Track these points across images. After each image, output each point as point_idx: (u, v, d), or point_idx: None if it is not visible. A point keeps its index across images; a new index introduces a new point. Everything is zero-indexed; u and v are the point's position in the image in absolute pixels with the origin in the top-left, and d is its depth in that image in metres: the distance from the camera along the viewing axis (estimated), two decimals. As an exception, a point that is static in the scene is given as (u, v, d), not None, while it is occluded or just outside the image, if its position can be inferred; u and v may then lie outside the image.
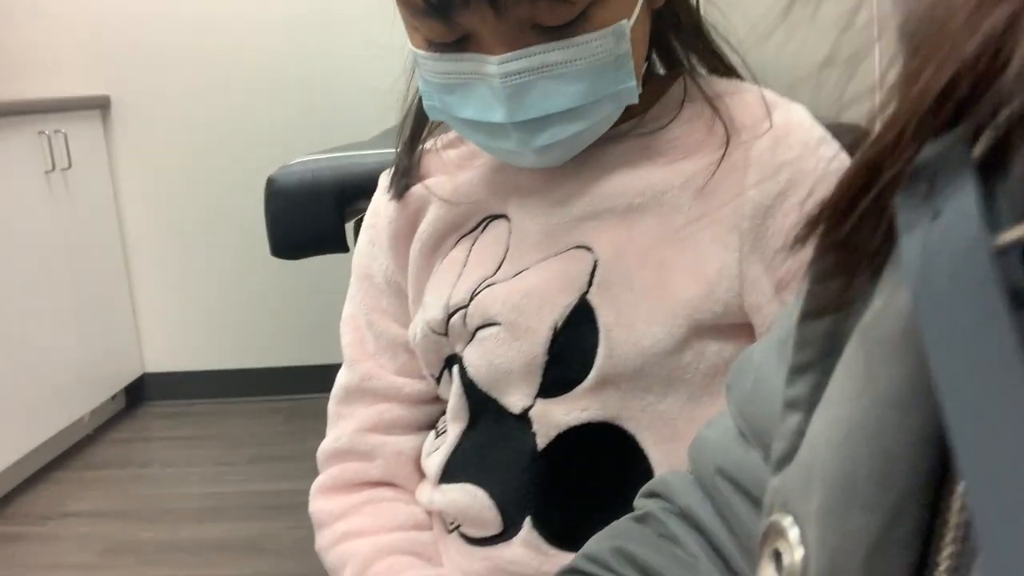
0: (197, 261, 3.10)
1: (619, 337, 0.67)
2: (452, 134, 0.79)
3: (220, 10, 2.92)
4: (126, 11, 2.95)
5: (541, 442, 0.70)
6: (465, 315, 0.72)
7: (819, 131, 0.68)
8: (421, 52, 0.66)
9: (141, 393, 3.17)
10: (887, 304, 0.27)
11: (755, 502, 0.45)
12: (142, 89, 3.00)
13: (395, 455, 0.80)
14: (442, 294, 0.74)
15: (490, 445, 0.73)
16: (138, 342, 3.15)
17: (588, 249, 0.69)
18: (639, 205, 0.69)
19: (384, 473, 0.80)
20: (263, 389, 3.11)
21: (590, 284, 0.68)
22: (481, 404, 0.73)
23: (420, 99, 0.72)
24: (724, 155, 0.67)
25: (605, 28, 0.63)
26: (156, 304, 3.15)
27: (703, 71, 0.74)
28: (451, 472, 0.75)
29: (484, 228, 0.75)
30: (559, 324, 0.69)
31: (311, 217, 1.14)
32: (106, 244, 3.01)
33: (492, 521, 0.72)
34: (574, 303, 0.68)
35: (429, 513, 0.80)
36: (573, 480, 0.70)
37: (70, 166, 2.77)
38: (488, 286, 0.72)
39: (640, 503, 0.57)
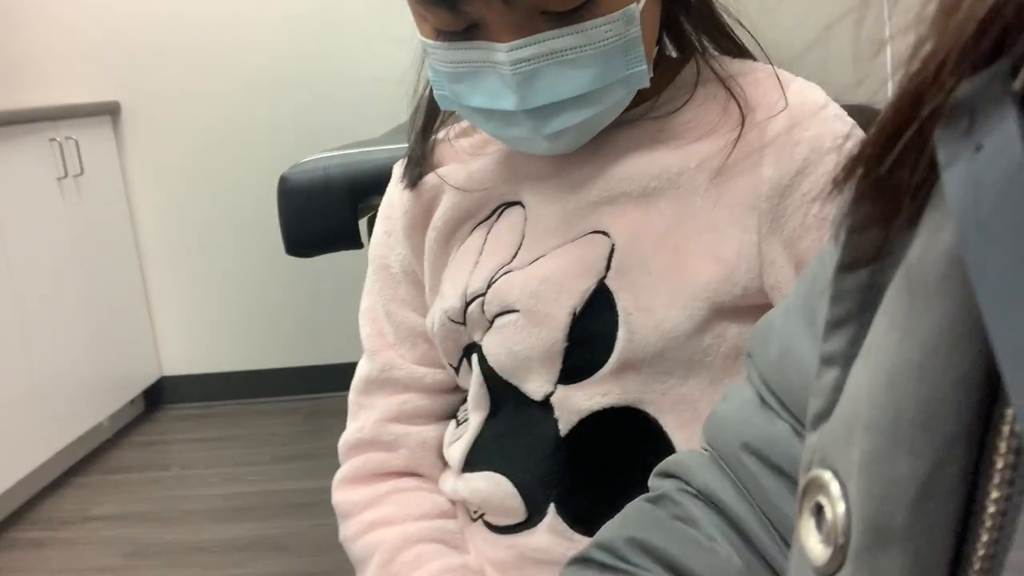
0: (211, 263, 3.11)
1: (639, 321, 0.67)
2: (464, 123, 0.79)
3: (227, 13, 2.93)
4: (134, 17, 2.95)
5: (563, 428, 0.70)
6: (483, 303, 0.72)
7: (834, 108, 0.68)
8: (430, 41, 0.66)
9: (159, 396, 3.19)
10: (927, 248, 0.27)
11: (785, 476, 0.45)
12: (152, 94, 3.01)
13: (418, 444, 0.80)
14: (459, 283, 0.74)
15: (512, 433, 0.73)
16: (155, 345, 3.16)
17: (605, 234, 0.69)
18: (655, 188, 0.68)
19: (407, 463, 0.81)
20: (281, 389, 3.12)
21: (608, 269, 0.68)
22: (502, 392, 0.73)
23: (431, 89, 0.72)
24: (739, 136, 0.67)
25: (614, 13, 0.62)
26: (172, 307, 3.16)
27: (715, 52, 0.73)
28: (474, 461, 0.75)
29: (499, 215, 0.75)
30: (578, 310, 0.68)
31: (324, 215, 1.14)
32: (120, 249, 3.02)
33: (516, 509, 0.72)
34: (592, 288, 0.68)
35: (453, 502, 0.80)
36: (596, 465, 0.70)
37: (82, 172, 2.78)
38: (505, 273, 0.72)
39: (655, 483, 0.56)
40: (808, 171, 0.65)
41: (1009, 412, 0.25)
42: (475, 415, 0.76)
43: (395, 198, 0.80)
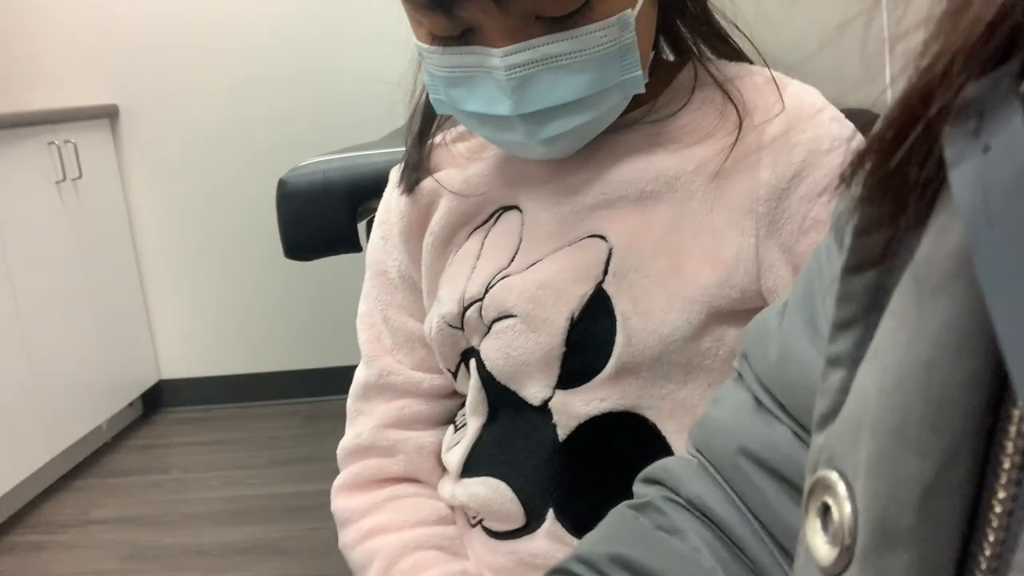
0: (210, 266, 3.11)
1: (637, 326, 0.67)
2: (461, 127, 0.79)
3: (226, 15, 2.93)
4: (132, 19, 2.95)
5: (562, 433, 0.70)
6: (480, 308, 0.72)
7: (831, 111, 0.68)
8: (425, 46, 0.66)
9: (158, 400, 3.19)
10: (934, 248, 0.27)
11: (784, 480, 0.44)
12: (150, 97, 3.01)
13: (416, 450, 0.80)
14: (456, 288, 0.74)
15: (510, 438, 0.73)
16: (154, 349, 3.16)
17: (602, 238, 0.69)
18: (652, 192, 0.68)
19: (406, 468, 0.80)
20: (280, 392, 3.12)
21: (605, 273, 0.68)
22: (500, 397, 0.73)
23: (428, 93, 0.71)
24: (737, 139, 0.67)
25: (609, 18, 0.62)
26: (170, 310, 3.16)
27: (712, 56, 0.73)
28: (472, 466, 0.75)
29: (496, 219, 0.75)
30: (576, 314, 0.68)
31: (323, 218, 1.14)
32: (119, 252, 3.02)
33: (515, 514, 0.72)
34: (590, 293, 0.68)
35: (451, 508, 0.79)
36: (595, 470, 0.70)
37: (80, 176, 2.78)
38: (503, 278, 0.71)
39: (640, 490, 0.56)
40: (805, 174, 0.65)
41: (1016, 412, 0.25)
42: (473, 420, 0.75)
43: (392, 203, 0.80)
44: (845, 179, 0.29)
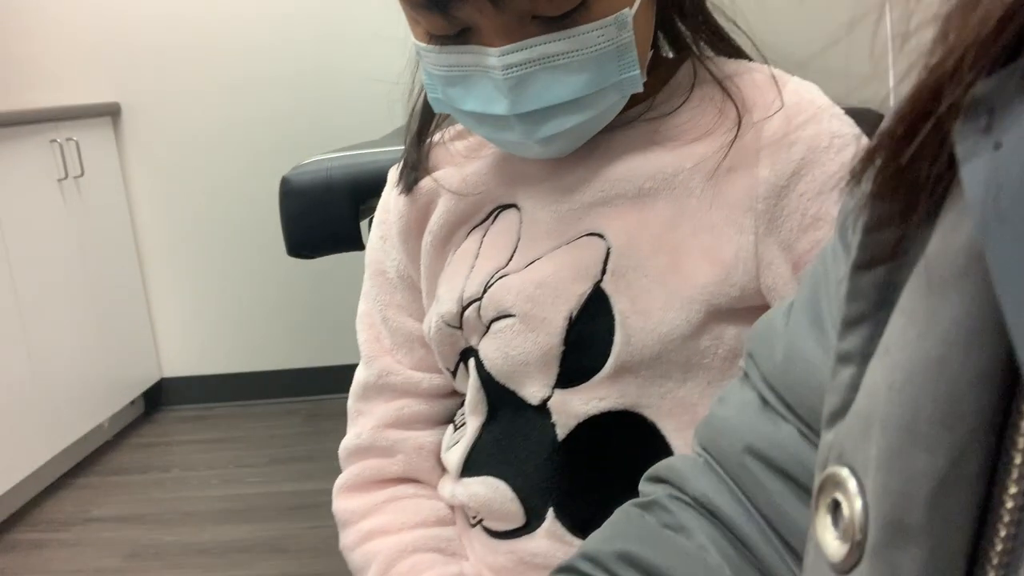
0: (212, 264, 3.11)
1: (635, 324, 0.66)
2: (459, 126, 0.78)
3: (227, 14, 2.93)
4: (134, 18, 2.95)
5: (561, 432, 0.69)
6: (479, 308, 0.72)
7: (831, 108, 0.67)
8: (423, 45, 0.66)
9: (159, 398, 3.19)
10: (945, 244, 0.27)
11: (791, 479, 0.44)
12: (152, 95, 3.01)
13: (416, 450, 0.80)
14: (455, 287, 0.74)
15: (510, 437, 0.73)
16: (155, 347, 3.16)
17: (600, 236, 0.69)
18: (650, 189, 0.68)
19: (405, 469, 0.80)
20: (281, 391, 3.12)
21: (604, 272, 0.68)
22: (499, 396, 0.73)
23: (426, 92, 0.71)
24: (736, 136, 0.67)
25: (606, 18, 0.62)
26: (172, 309, 3.16)
27: (711, 53, 0.73)
28: (472, 466, 0.75)
29: (495, 218, 0.75)
30: (574, 313, 0.68)
31: (326, 216, 1.14)
32: (121, 250, 3.02)
33: (515, 513, 0.72)
34: (588, 292, 0.68)
35: (451, 507, 0.79)
36: (595, 470, 0.70)
37: (82, 173, 2.78)
38: (501, 277, 0.71)
39: (646, 488, 0.56)
40: (805, 171, 0.65)
41: None
42: (472, 420, 0.75)
43: (390, 203, 0.80)
44: (855, 175, 0.29)
